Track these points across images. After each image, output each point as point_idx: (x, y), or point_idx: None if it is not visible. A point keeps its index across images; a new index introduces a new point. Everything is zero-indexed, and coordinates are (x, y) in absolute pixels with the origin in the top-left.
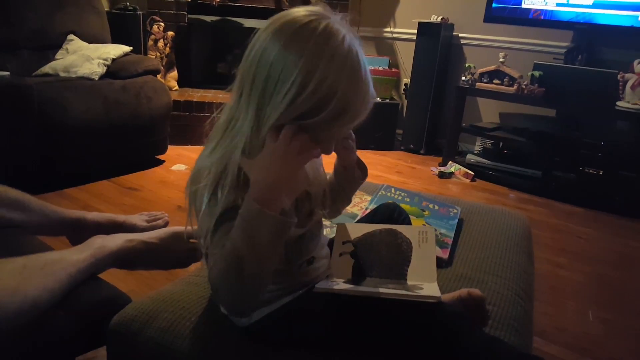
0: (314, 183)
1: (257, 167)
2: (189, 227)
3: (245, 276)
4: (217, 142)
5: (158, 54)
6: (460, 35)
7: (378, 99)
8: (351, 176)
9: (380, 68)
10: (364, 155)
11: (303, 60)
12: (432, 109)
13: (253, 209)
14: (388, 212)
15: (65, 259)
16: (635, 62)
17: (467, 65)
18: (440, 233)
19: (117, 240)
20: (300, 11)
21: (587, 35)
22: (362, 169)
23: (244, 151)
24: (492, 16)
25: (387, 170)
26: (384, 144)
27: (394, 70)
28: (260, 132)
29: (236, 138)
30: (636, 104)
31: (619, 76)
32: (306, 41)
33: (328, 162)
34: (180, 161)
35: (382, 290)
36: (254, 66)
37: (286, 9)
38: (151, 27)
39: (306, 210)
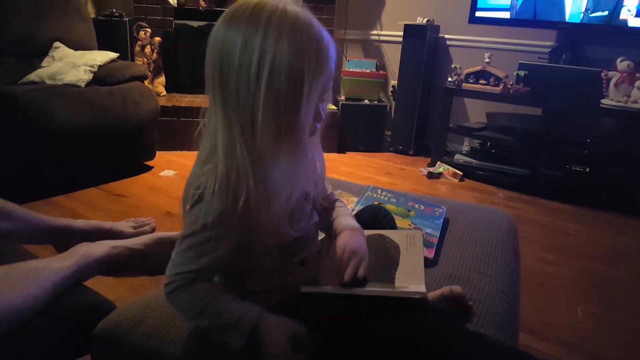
0: (316, 185)
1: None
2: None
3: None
4: (202, 153)
5: (145, 59)
6: (446, 36)
7: (366, 100)
8: None
9: (368, 70)
10: (354, 157)
11: (244, 39)
12: (420, 110)
13: (244, 334)
14: (373, 214)
15: (49, 267)
16: (618, 60)
17: (453, 66)
18: (426, 233)
19: (101, 247)
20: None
21: (570, 34)
22: None
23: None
24: (476, 17)
25: (377, 172)
26: (373, 145)
27: (381, 72)
28: (251, 131)
29: (217, 140)
30: (620, 101)
31: (602, 74)
32: (242, 16)
33: (329, 167)
34: (169, 167)
35: (367, 289)
36: (209, 59)
37: None
38: (138, 33)
39: (305, 212)
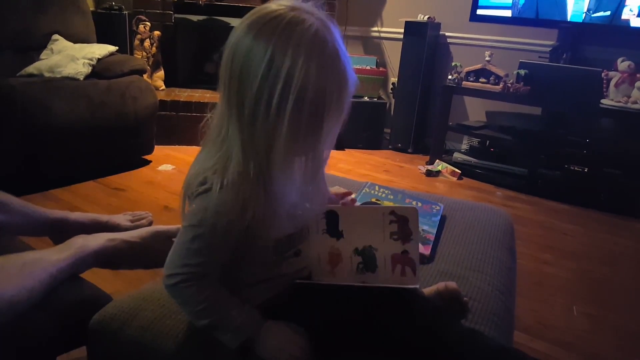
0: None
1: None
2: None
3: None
4: (210, 149)
5: (144, 53)
6: (447, 34)
7: (366, 98)
8: None
9: (368, 67)
10: (352, 154)
11: (270, 60)
12: (420, 107)
13: (239, 340)
14: None
15: (45, 259)
16: (619, 60)
17: (453, 64)
18: (423, 230)
19: (98, 240)
20: (273, 4)
21: (571, 33)
22: None
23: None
24: (477, 15)
25: (375, 169)
26: (372, 143)
27: (381, 69)
28: (265, 143)
29: (229, 145)
30: (620, 102)
31: (603, 74)
32: (273, 32)
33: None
34: (167, 161)
35: (362, 282)
36: (229, 63)
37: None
38: (137, 27)
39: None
